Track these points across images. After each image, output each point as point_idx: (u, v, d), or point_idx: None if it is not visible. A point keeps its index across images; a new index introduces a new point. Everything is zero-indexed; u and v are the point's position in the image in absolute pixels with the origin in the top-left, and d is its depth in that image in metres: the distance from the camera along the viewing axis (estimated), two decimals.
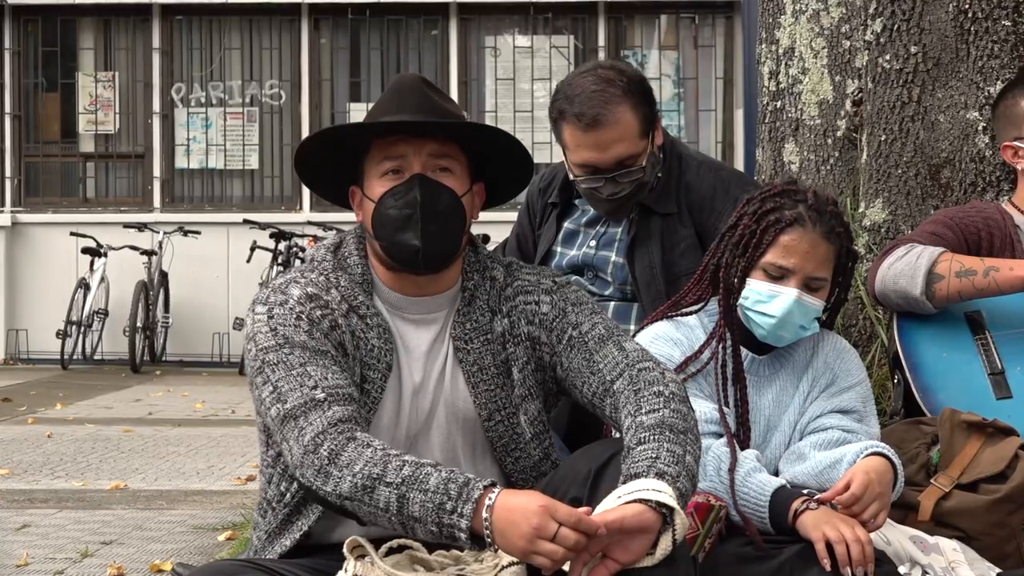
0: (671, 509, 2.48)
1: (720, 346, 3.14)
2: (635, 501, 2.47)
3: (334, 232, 11.33)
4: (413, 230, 2.78)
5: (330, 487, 2.57)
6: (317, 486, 2.59)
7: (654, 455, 2.56)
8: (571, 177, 3.75)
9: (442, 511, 2.47)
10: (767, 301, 3.10)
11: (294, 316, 2.75)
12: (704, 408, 3.06)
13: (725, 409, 3.10)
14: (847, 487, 2.92)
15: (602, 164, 3.63)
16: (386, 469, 2.53)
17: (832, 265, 3.13)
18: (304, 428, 2.62)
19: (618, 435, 2.79)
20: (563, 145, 3.72)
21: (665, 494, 2.48)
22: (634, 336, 3.23)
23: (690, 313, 3.23)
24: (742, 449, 3.07)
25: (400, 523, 2.53)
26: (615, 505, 2.48)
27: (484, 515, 2.45)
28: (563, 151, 3.75)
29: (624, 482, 2.53)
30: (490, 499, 2.46)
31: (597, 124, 3.59)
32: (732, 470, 2.98)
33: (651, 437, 2.60)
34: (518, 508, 2.43)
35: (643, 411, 2.66)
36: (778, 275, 3.09)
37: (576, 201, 3.92)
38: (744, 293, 3.12)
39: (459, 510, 2.47)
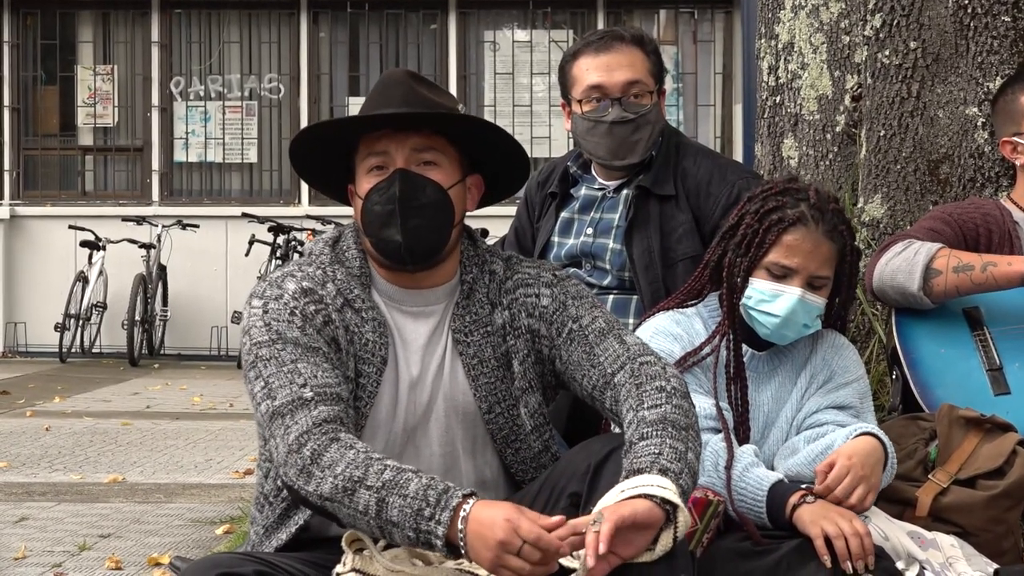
0: (675, 506, 2.48)
1: (722, 343, 3.14)
2: (640, 496, 2.47)
3: (333, 226, 11.35)
4: (395, 226, 2.77)
5: (311, 487, 2.57)
6: (299, 485, 2.59)
7: (657, 451, 2.56)
8: (577, 113, 3.78)
9: (420, 517, 2.47)
10: (771, 300, 3.09)
11: (288, 311, 2.74)
12: (702, 403, 3.06)
13: (722, 404, 3.11)
14: (831, 467, 2.93)
15: (610, 86, 3.73)
16: (367, 472, 2.53)
17: (834, 263, 3.12)
18: (290, 426, 2.62)
19: (617, 429, 2.79)
20: (571, 84, 3.80)
21: (669, 491, 2.48)
22: (634, 330, 3.24)
23: (689, 306, 3.23)
24: (740, 445, 3.06)
25: (378, 527, 2.53)
26: (619, 499, 2.47)
27: (459, 525, 2.45)
28: (569, 96, 3.82)
29: (626, 477, 2.53)
30: (465, 509, 2.46)
31: (609, 48, 3.75)
32: (729, 467, 2.98)
33: (654, 433, 2.59)
34: (487, 521, 2.43)
35: (645, 406, 2.66)
36: (781, 274, 3.09)
37: (572, 190, 3.93)
38: (747, 292, 3.12)
39: (436, 517, 2.46)
